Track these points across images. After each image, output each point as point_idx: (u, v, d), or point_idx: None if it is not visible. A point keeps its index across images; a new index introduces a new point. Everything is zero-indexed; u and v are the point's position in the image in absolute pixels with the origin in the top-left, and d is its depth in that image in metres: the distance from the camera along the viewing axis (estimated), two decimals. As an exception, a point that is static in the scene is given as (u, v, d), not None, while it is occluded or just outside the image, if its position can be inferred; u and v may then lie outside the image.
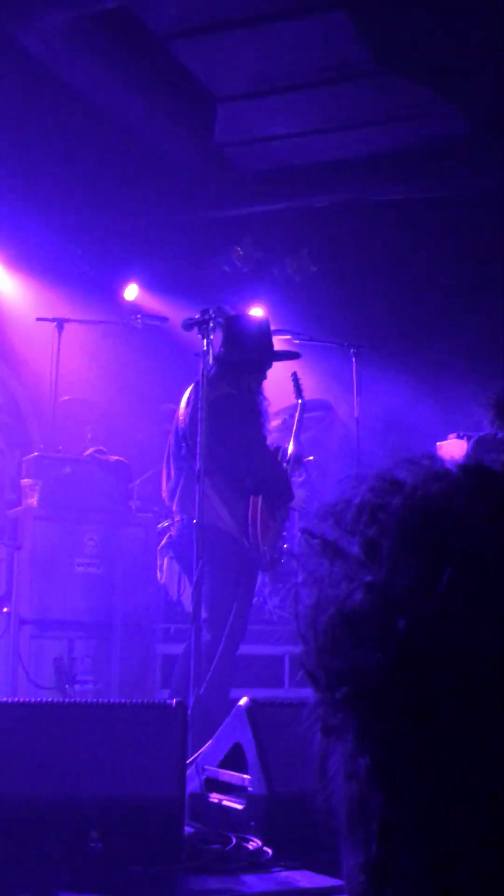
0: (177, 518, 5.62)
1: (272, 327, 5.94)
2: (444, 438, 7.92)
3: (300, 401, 6.51)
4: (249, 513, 5.35)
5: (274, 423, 6.58)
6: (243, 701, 3.72)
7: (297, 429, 6.23)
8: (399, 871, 0.71)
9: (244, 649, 5.89)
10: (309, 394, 8.18)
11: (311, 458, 7.52)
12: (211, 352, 5.10)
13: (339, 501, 0.80)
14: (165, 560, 6.51)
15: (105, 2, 6.66)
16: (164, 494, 5.75)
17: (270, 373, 5.67)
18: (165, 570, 6.50)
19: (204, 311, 5.09)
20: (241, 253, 9.02)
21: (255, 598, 7.08)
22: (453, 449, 7.83)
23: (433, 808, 0.68)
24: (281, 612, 7.59)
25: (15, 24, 6.88)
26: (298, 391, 6.57)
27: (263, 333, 5.54)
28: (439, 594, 0.69)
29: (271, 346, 5.59)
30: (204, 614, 5.19)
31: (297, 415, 6.44)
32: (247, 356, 5.38)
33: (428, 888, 0.69)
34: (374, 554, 0.73)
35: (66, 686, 6.08)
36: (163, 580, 6.51)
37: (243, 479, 5.32)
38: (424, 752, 0.69)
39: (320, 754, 0.77)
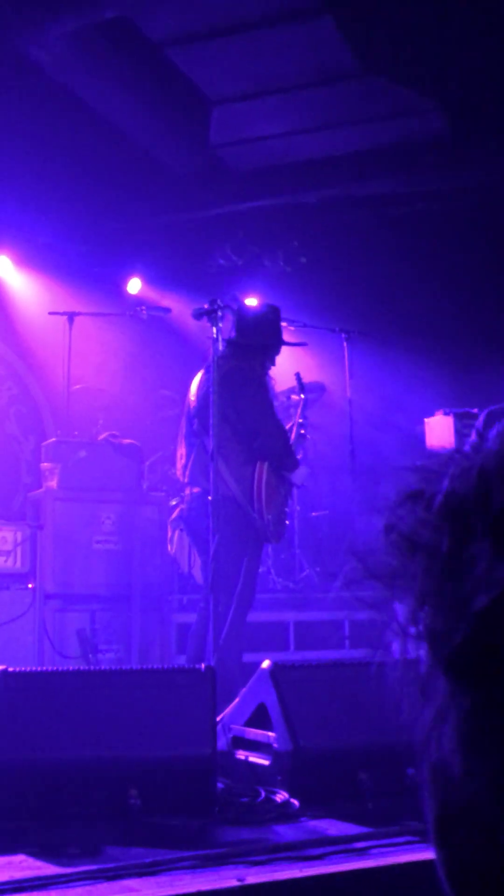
0: (187, 491, 5.57)
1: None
2: (431, 415, 7.93)
3: (302, 396, 6.52)
4: (255, 479, 5.27)
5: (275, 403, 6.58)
6: (266, 664, 3.70)
7: (298, 422, 6.24)
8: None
9: (252, 616, 5.87)
10: (304, 376, 8.18)
11: (308, 436, 7.49)
12: (220, 338, 5.06)
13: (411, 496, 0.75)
14: (176, 533, 6.48)
15: (105, 11, 6.57)
16: (178, 472, 5.69)
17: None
18: (175, 542, 6.47)
19: (212, 301, 5.05)
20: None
21: (261, 569, 7.08)
22: (440, 424, 7.84)
23: None
24: (284, 581, 7.60)
25: (20, 36, 6.79)
26: (301, 388, 6.59)
27: (273, 321, 5.52)
28: None
29: (280, 333, 5.56)
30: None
31: (299, 409, 6.45)
32: (257, 340, 5.35)
33: None
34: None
35: (90, 655, 6.06)
36: (173, 551, 6.48)
37: (251, 441, 5.24)
38: None
39: (412, 712, 0.74)
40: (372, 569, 0.74)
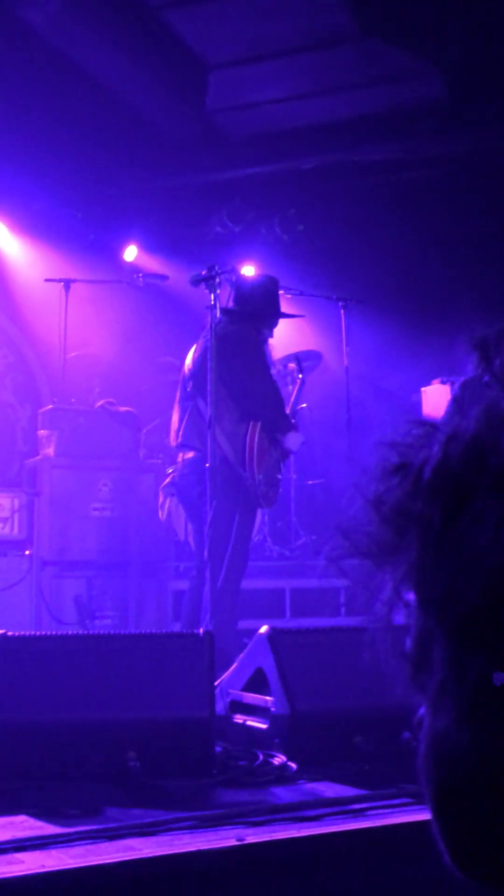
0: (180, 458, 5.57)
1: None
2: (428, 384, 7.93)
3: (300, 376, 6.58)
4: (248, 438, 5.28)
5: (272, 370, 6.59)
6: (264, 629, 3.74)
7: (295, 400, 6.28)
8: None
9: (248, 583, 5.89)
10: (301, 345, 8.17)
11: (305, 405, 7.50)
12: (218, 305, 5.05)
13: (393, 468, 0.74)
14: (168, 500, 6.49)
15: (102, -27, 6.50)
16: (171, 437, 5.68)
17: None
18: (167, 508, 6.48)
19: (210, 267, 5.04)
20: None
21: (257, 537, 7.10)
22: (437, 393, 7.84)
23: None
24: (280, 549, 7.63)
25: (15, -2, 6.72)
26: (300, 370, 6.64)
27: (271, 291, 5.53)
28: None
29: (278, 303, 5.57)
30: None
31: (296, 388, 6.51)
32: (255, 308, 5.35)
33: None
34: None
35: (87, 621, 6.10)
36: (163, 518, 6.48)
37: (244, 401, 5.26)
38: None
39: (405, 684, 0.74)
40: (358, 545, 0.74)
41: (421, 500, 0.71)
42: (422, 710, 0.73)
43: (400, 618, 0.76)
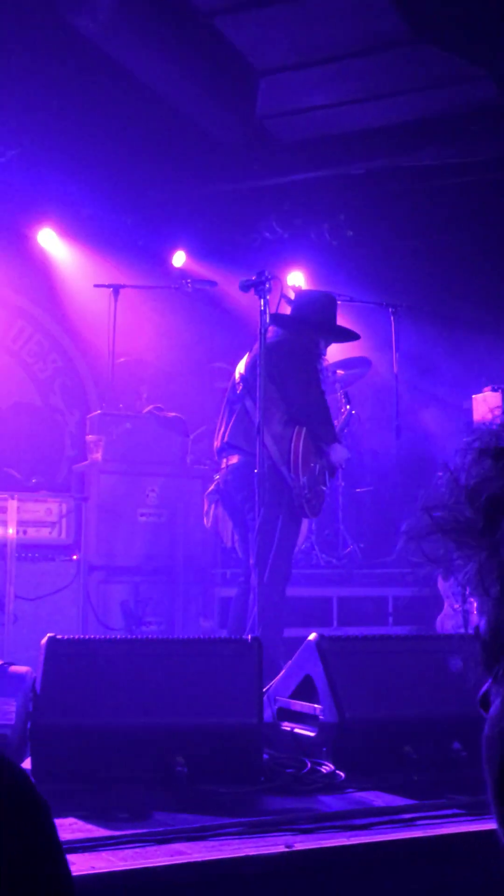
0: (224, 463, 5.57)
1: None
2: (479, 391, 7.88)
3: (350, 409, 6.59)
4: (293, 441, 5.30)
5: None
6: (312, 636, 3.74)
7: (340, 430, 6.35)
8: None
9: (295, 591, 5.90)
10: (350, 351, 8.17)
11: (354, 411, 7.49)
12: (267, 310, 5.07)
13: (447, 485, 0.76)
14: (212, 506, 6.51)
15: (154, -20, 6.56)
16: (216, 440, 5.69)
17: None
18: (212, 515, 6.50)
19: (259, 273, 5.06)
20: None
21: (304, 545, 7.10)
22: (488, 400, 7.79)
23: None
24: (328, 557, 7.63)
25: (67, 5, 6.80)
26: (348, 401, 6.65)
27: (328, 308, 5.55)
28: None
29: (334, 321, 5.58)
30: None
31: (342, 420, 6.54)
32: (310, 318, 5.39)
33: None
34: None
35: (133, 627, 6.15)
36: (208, 525, 6.50)
37: (292, 406, 5.28)
38: None
39: (485, 696, 0.76)
40: (441, 523, 0.76)
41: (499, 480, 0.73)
42: (487, 687, 0.74)
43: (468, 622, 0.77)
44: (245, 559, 5.46)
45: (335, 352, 7.37)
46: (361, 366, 8.25)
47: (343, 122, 8.23)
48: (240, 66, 7.65)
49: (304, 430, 5.32)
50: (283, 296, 5.31)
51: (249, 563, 5.29)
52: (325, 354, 5.65)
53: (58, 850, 0.86)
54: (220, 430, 5.62)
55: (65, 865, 0.85)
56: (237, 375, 5.54)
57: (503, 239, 8.53)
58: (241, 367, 5.54)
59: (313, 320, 5.43)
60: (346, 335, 5.82)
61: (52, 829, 0.86)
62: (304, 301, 5.58)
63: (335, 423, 5.87)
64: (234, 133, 8.39)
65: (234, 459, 5.42)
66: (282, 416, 5.27)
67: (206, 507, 6.43)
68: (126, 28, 7.05)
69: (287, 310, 5.53)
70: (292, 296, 5.63)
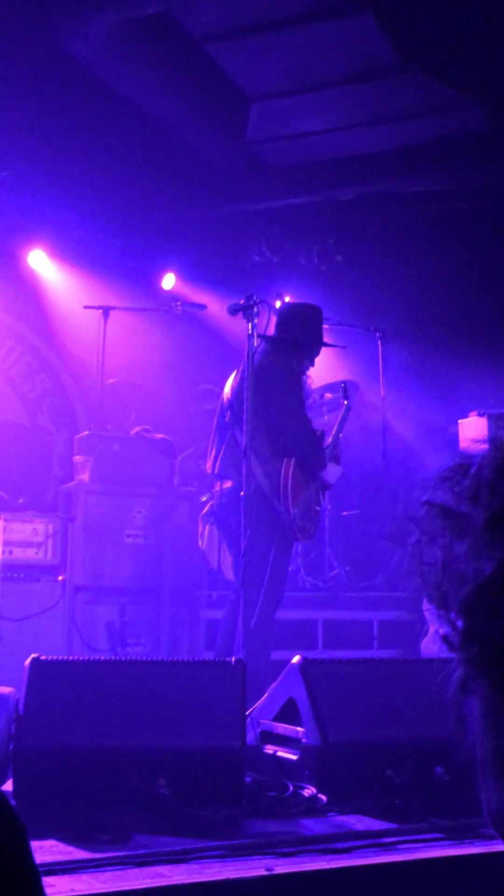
0: (217, 486, 5.60)
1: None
2: (465, 416, 7.92)
3: (346, 403, 6.54)
4: (282, 474, 5.32)
5: (307, 400, 6.59)
6: (296, 659, 3.75)
7: (339, 428, 6.23)
8: None
9: (281, 614, 5.90)
10: (336, 375, 8.20)
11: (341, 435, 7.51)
12: (255, 334, 5.10)
13: (453, 469, 0.81)
14: (206, 528, 6.53)
15: (147, 6, 6.63)
16: (209, 465, 5.72)
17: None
18: (206, 537, 6.52)
19: (248, 297, 5.10)
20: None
21: (290, 567, 7.11)
22: (474, 425, 7.83)
23: None
24: (314, 580, 7.63)
25: (60, 29, 6.87)
26: (346, 396, 6.60)
27: (315, 320, 5.55)
28: None
29: (321, 333, 5.59)
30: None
31: (341, 415, 6.45)
32: (297, 337, 5.39)
33: None
34: (500, 527, 0.74)
35: (118, 648, 6.14)
36: (203, 546, 6.52)
37: (279, 437, 5.29)
38: None
39: (457, 707, 0.79)
40: (424, 526, 0.79)
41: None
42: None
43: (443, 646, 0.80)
44: (237, 581, 5.47)
45: (324, 375, 7.41)
46: (349, 388, 8.29)
47: (333, 149, 8.31)
48: (231, 92, 7.73)
49: (293, 461, 5.34)
50: (270, 307, 5.29)
51: (247, 585, 5.30)
52: (312, 366, 5.61)
53: (33, 873, 0.87)
54: (210, 454, 5.64)
55: (40, 889, 0.86)
56: (224, 399, 5.55)
57: (490, 265, 8.61)
58: (227, 391, 5.55)
59: (299, 339, 5.43)
60: (333, 346, 5.91)
61: (28, 851, 0.87)
62: (289, 317, 5.53)
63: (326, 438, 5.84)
64: (224, 157, 8.46)
65: (228, 484, 5.45)
66: (269, 448, 5.28)
67: (200, 529, 6.46)
68: (119, 53, 7.12)
69: (268, 322, 5.46)
70: (278, 304, 5.58)
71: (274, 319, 5.37)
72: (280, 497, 5.29)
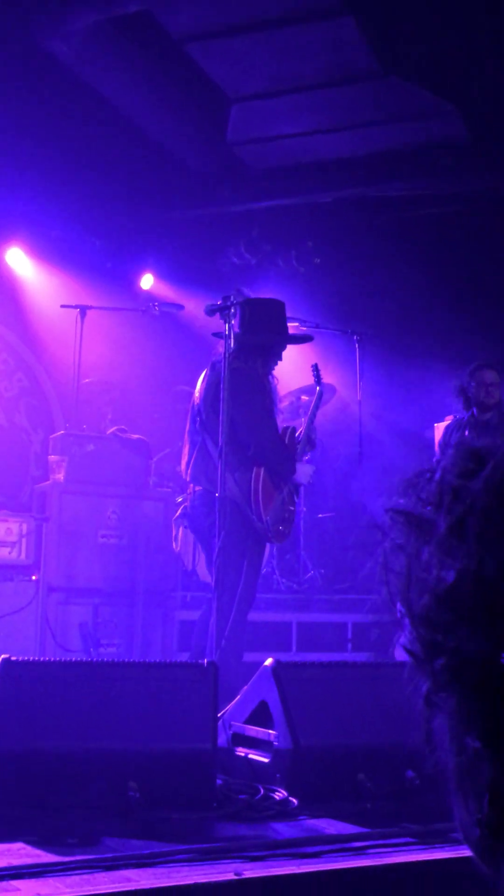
0: (191, 489, 5.58)
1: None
2: (441, 420, 7.94)
3: (318, 388, 6.44)
4: (252, 483, 5.29)
5: (283, 403, 6.55)
6: (268, 662, 3.72)
7: (313, 413, 6.13)
8: None
9: (255, 616, 5.88)
10: (314, 378, 8.18)
11: (316, 437, 7.49)
12: (232, 335, 5.07)
13: (419, 475, 0.79)
14: (180, 530, 6.49)
15: (127, 5, 6.60)
16: (182, 469, 5.69)
17: (285, 355, 5.57)
18: (180, 539, 6.48)
19: (225, 297, 5.06)
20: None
21: (264, 569, 7.09)
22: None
23: None
24: (288, 582, 7.62)
25: (40, 28, 6.82)
26: (318, 380, 6.49)
27: (277, 316, 5.46)
28: None
29: (285, 328, 5.52)
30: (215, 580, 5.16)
31: (314, 400, 6.35)
32: (260, 337, 5.32)
33: None
34: (462, 534, 0.72)
35: (91, 649, 6.09)
36: (177, 549, 6.49)
37: (245, 449, 5.26)
38: None
39: (424, 720, 0.77)
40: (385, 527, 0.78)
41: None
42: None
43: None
44: (211, 583, 5.45)
45: (300, 377, 7.39)
46: (326, 392, 8.28)
47: (313, 151, 8.31)
48: (211, 93, 7.71)
49: (262, 470, 5.31)
50: (233, 302, 5.13)
51: (220, 587, 5.27)
52: (280, 360, 5.48)
53: None
54: (183, 458, 5.60)
55: None
56: (194, 404, 5.50)
57: (467, 270, 8.63)
58: (196, 395, 5.49)
59: (264, 338, 5.33)
60: (301, 339, 5.84)
61: None
62: (255, 318, 5.36)
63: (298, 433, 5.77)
64: (204, 159, 8.44)
65: (200, 488, 5.42)
66: (238, 454, 5.25)
67: (174, 532, 6.42)
68: (98, 53, 7.09)
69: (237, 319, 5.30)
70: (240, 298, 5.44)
71: (237, 316, 5.21)
72: (252, 505, 5.28)
